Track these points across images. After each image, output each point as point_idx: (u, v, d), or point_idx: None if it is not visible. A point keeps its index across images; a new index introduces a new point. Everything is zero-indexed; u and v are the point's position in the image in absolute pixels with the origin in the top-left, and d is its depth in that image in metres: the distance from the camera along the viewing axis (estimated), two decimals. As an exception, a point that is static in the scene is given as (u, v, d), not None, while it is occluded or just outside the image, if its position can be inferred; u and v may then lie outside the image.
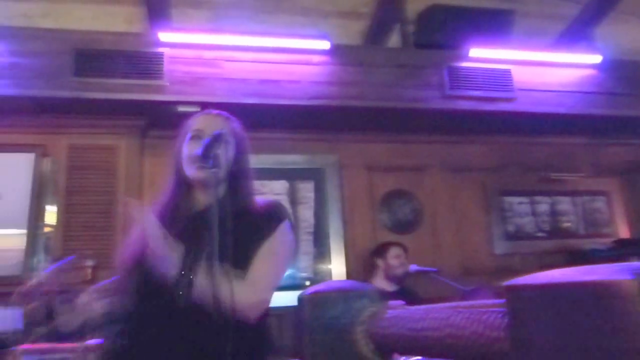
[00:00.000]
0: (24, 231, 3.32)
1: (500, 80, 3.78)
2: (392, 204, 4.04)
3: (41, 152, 3.47)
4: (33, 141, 3.46)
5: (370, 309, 0.96)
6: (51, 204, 3.43)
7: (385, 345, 0.89)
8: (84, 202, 3.39)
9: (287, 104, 3.43)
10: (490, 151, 4.20)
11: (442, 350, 0.73)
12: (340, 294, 0.97)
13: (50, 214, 3.41)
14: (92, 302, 1.47)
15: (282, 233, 1.39)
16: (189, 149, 1.43)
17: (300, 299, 0.99)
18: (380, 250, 3.41)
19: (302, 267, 3.76)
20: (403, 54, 3.83)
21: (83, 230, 3.32)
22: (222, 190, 1.36)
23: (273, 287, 1.35)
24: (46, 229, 3.38)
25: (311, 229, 3.84)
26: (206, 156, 1.27)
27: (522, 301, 0.55)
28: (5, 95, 3.10)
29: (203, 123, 1.48)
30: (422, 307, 0.85)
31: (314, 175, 3.94)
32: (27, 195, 3.39)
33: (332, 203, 3.92)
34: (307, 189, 3.91)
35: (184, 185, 1.46)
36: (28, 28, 3.37)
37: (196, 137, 1.44)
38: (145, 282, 1.30)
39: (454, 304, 0.77)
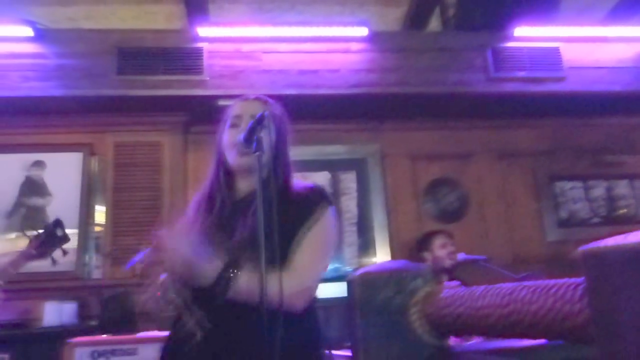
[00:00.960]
0: (76, 230, 3.42)
1: (548, 59, 3.62)
2: (436, 193, 3.94)
3: (89, 151, 3.57)
4: (81, 140, 3.56)
5: (424, 289, 0.91)
6: (100, 202, 3.52)
7: (442, 326, 0.84)
8: (130, 199, 3.46)
9: (327, 93, 3.40)
10: (540, 135, 4.03)
11: (506, 329, 0.67)
12: (392, 274, 0.93)
13: (100, 213, 3.51)
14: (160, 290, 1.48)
15: (325, 219, 1.35)
16: (230, 136, 1.42)
17: (349, 281, 0.95)
18: (425, 241, 3.29)
19: (346, 259, 3.72)
20: (444, 38, 3.72)
21: (131, 225, 3.40)
22: (264, 175, 1.33)
23: (319, 275, 1.32)
24: (97, 228, 3.48)
25: (355, 220, 3.79)
26: (249, 140, 1.25)
27: (604, 267, 0.49)
28: (53, 96, 3.20)
29: (242, 109, 1.46)
30: (482, 286, 0.79)
31: (356, 165, 3.88)
32: (77, 194, 3.50)
33: (375, 193, 3.86)
34: (349, 180, 3.86)
35: (225, 174, 1.45)
36: (73, 30, 3.46)
37: (235, 123, 1.43)
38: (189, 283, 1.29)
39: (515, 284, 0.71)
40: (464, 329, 0.76)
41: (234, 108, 1.47)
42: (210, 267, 1.23)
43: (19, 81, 3.19)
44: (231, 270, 1.22)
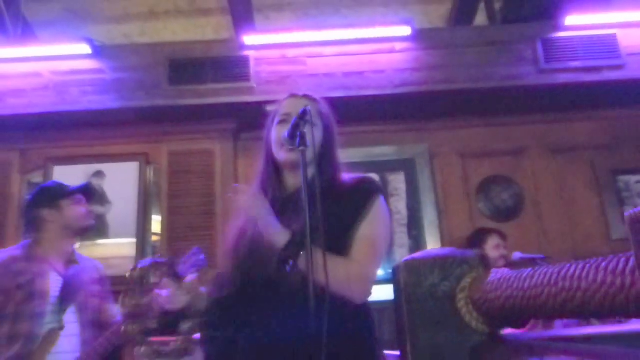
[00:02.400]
0: (134, 240, 3.57)
1: (604, 46, 3.46)
2: (489, 191, 3.84)
3: (145, 160, 3.72)
4: (137, 150, 3.72)
5: (471, 275, 0.90)
6: (156, 210, 3.66)
7: (490, 311, 0.82)
8: (184, 205, 3.58)
9: (373, 94, 3.39)
10: (599, 127, 3.85)
11: (555, 309, 0.65)
12: (438, 260, 0.92)
13: (156, 222, 3.64)
14: (199, 285, 1.52)
15: (378, 209, 1.35)
16: (277, 133, 1.45)
17: (395, 267, 0.95)
18: (478, 238, 3.22)
19: (397, 260, 3.68)
20: (491, 31, 3.63)
21: (186, 231, 3.51)
22: (311, 171, 1.35)
23: (377, 265, 1.32)
24: (153, 238, 3.61)
25: (405, 221, 3.75)
26: (293, 136, 1.27)
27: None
28: (111, 109, 3.37)
29: (290, 106, 1.48)
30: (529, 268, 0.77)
31: (404, 166, 3.85)
32: (134, 201, 3.65)
33: (425, 193, 3.80)
34: (398, 181, 3.83)
35: (274, 170, 1.48)
36: (127, 45, 3.63)
37: (284, 120, 1.45)
38: (247, 266, 1.32)
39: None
40: (513, 311, 0.74)
41: (283, 105, 1.51)
42: (281, 233, 1.27)
43: (79, 96, 3.38)
44: (298, 242, 1.24)
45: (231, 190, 1.31)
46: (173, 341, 2.71)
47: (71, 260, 2.12)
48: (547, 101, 3.65)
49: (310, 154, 1.31)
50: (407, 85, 3.41)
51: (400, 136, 3.84)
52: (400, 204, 3.78)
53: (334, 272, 1.12)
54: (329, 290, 1.07)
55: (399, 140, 3.83)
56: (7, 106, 3.42)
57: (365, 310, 1.35)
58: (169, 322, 2.44)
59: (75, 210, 2.12)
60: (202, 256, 2.31)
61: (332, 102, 1.56)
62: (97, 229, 3.62)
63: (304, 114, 1.26)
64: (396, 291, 0.93)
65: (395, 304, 0.92)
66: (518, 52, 3.47)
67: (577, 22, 3.47)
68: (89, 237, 3.55)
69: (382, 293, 3.41)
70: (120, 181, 3.70)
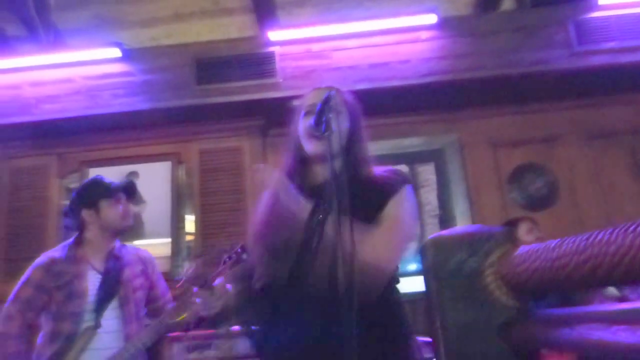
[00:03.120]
0: (169, 240, 3.64)
1: None
2: (522, 180, 3.76)
3: (176, 159, 3.79)
4: (169, 150, 3.79)
5: (499, 250, 0.88)
6: (189, 208, 3.72)
7: (519, 285, 0.80)
8: (216, 202, 3.63)
9: (399, 85, 3.37)
10: (637, 110, 3.70)
11: (584, 277, 0.63)
12: (465, 237, 0.91)
13: (190, 222, 3.70)
14: (228, 285, 1.54)
15: (404, 195, 1.35)
16: (304, 124, 1.45)
17: (422, 245, 0.94)
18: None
19: (430, 252, 3.64)
20: (520, 16, 3.55)
21: (218, 228, 3.55)
22: (339, 161, 1.35)
23: (404, 237, 1.32)
24: (188, 237, 3.67)
25: (436, 212, 3.71)
26: (318, 122, 1.27)
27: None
28: (141, 110, 3.44)
29: (314, 98, 1.49)
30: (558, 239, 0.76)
31: (434, 156, 3.81)
32: (168, 200, 3.72)
33: (456, 184, 3.75)
34: (427, 172, 3.79)
35: (301, 163, 1.48)
36: (155, 47, 3.70)
37: (309, 112, 1.46)
38: (275, 251, 1.34)
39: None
40: (543, 283, 0.72)
41: (308, 98, 1.51)
42: (305, 203, 1.29)
43: (110, 99, 3.47)
44: (321, 213, 1.25)
45: (254, 169, 1.34)
46: (210, 336, 2.76)
47: (112, 255, 2.11)
48: (581, 85, 3.54)
49: (336, 144, 1.31)
50: (433, 74, 3.37)
51: (429, 127, 3.79)
52: (430, 195, 3.74)
53: (362, 241, 1.12)
54: (357, 259, 1.07)
55: (427, 131, 3.79)
56: (42, 112, 3.54)
57: (392, 297, 1.35)
58: (208, 327, 2.46)
59: (114, 211, 2.10)
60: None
61: (358, 95, 1.56)
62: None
63: (327, 99, 1.26)
64: (424, 269, 0.92)
65: (424, 281, 0.92)
66: (549, 35, 3.38)
67: (610, 1, 3.35)
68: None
69: (413, 285, 3.39)
70: (154, 181, 3.77)
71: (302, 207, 1.31)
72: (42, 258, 2.04)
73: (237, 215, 3.55)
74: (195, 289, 1.81)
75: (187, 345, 2.74)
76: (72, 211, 2.14)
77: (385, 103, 3.46)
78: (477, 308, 0.85)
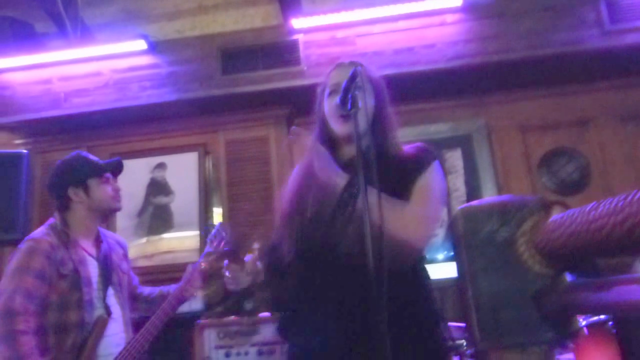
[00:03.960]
0: (197, 232, 3.69)
1: (675, 1, 3.21)
2: (552, 164, 3.67)
3: (203, 150, 3.83)
4: (195, 141, 3.83)
5: (532, 218, 0.86)
6: (217, 202, 3.76)
7: (554, 252, 0.78)
8: (243, 192, 3.65)
9: (424, 69, 3.32)
10: (674, 90, 3.57)
11: (621, 239, 0.61)
12: (495, 206, 0.89)
13: (218, 215, 3.74)
14: (256, 262, 1.56)
15: (433, 171, 1.35)
16: (330, 104, 1.45)
17: (453, 216, 0.92)
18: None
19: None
20: (548, -5, 3.45)
21: (246, 217, 3.58)
22: (366, 138, 1.35)
23: (434, 211, 1.32)
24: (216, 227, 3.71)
25: (464, 198, 3.66)
26: (344, 100, 1.26)
27: None
28: (168, 101, 3.49)
29: (337, 76, 1.48)
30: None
31: (461, 142, 3.75)
32: (195, 190, 3.76)
33: (484, 170, 3.70)
34: (455, 158, 3.74)
35: (329, 141, 1.48)
36: (180, 39, 3.73)
37: (334, 91, 1.45)
38: (306, 224, 1.34)
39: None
40: (577, 249, 0.70)
41: (330, 76, 1.50)
42: (341, 173, 1.30)
43: (138, 91, 3.52)
44: (355, 186, 1.26)
45: (291, 132, 1.34)
46: (239, 322, 2.80)
47: (99, 239, 2.02)
48: (614, 65, 3.43)
49: (363, 121, 1.31)
50: (460, 58, 3.31)
51: (456, 112, 3.74)
52: (458, 181, 3.69)
53: (392, 213, 1.11)
54: (387, 233, 1.06)
55: (454, 116, 3.74)
56: (72, 106, 3.61)
57: (423, 271, 1.34)
58: (233, 303, 2.51)
59: (105, 191, 1.96)
60: (225, 232, 2.32)
61: (384, 80, 1.54)
62: (162, 219, 3.78)
63: (354, 75, 1.25)
64: (454, 239, 0.91)
65: (454, 252, 0.90)
66: (579, 14, 3.28)
67: (643, -23, 3.24)
68: (154, 231, 3.72)
69: (442, 272, 3.36)
70: (181, 172, 3.82)
71: (339, 175, 1.31)
72: (31, 243, 1.84)
73: (264, 204, 3.57)
74: (225, 262, 1.82)
75: (217, 331, 2.78)
76: (56, 188, 1.97)
77: (410, 89, 3.41)
78: (510, 277, 0.84)
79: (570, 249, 0.73)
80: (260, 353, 2.74)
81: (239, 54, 3.51)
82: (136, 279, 2.21)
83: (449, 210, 3.61)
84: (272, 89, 3.43)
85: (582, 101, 3.64)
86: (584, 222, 0.68)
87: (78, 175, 1.95)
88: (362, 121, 1.30)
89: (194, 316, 3.09)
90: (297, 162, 1.55)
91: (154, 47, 3.58)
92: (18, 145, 3.78)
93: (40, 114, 3.60)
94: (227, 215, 3.62)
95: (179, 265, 3.32)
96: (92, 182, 1.95)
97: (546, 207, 0.85)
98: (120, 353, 1.89)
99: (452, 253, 3.47)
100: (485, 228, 0.88)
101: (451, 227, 0.93)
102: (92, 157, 2.06)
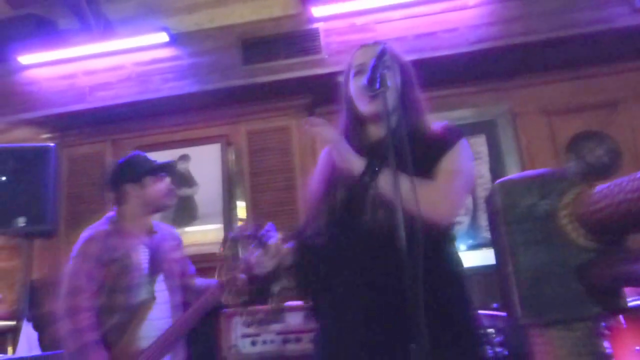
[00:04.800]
0: (221, 225, 3.71)
1: None
2: (580, 149, 3.60)
3: (225, 141, 3.84)
4: (218, 132, 3.85)
5: (573, 190, 0.84)
6: (240, 195, 3.77)
7: (599, 223, 0.76)
8: (266, 182, 3.66)
9: (446, 54, 3.27)
10: None
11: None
12: (535, 179, 0.87)
13: (241, 208, 3.76)
14: (281, 244, 1.56)
15: (460, 148, 1.34)
16: (355, 84, 1.44)
17: (491, 190, 0.90)
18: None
19: (483, 226, 3.56)
20: (574, -27, 3.36)
21: (268, 207, 3.59)
22: (394, 117, 1.34)
23: (459, 198, 1.31)
24: (239, 223, 3.73)
25: (488, 185, 3.61)
26: (372, 80, 1.25)
27: None
28: (190, 93, 3.50)
29: (364, 56, 1.47)
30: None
31: (485, 128, 3.70)
32: (219, 181, 3.78)
33: (509, 155, 3.64)
34: (478, 144, 3.68)
35: (356, 122, 1.47)
36: (201, 30, 3.74)
37: (360, 71, 1.44)
38: (335, 207, 1.34)
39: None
40: (627, 218, 0.68)
41: (356, 56, 1.49)
42: (357, 160, 1.31)
43: (160, 83, 3.55)
44: (376, 166, 1.26)
45: (306, 122, 1.34)
46: (265, 309, 2.81)
47: (151, 230, 2.19)
48: (645, 44, 3.33)
49: (392, 99, 1.30)
50: (483, 41, 3.25)
51: (479, 97, 3.68)
52: (482, 168, 3.64)
53: (418, 191, 1.10)
54: (417, 211, 1.05)
55: (477, 102, 3.69)
56: (96, 99, 3.66)
57: (453, 247, 1.34)
58: (260, 287, 2.52)
59: (159, 188, 2.16)
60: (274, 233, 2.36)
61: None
62: (186, 211, 3.81)
63: (382, 54, 1.23)
64: (492, 214, 0.89)
65: (491, 227, 0.89)
66: (607, -8, 3.19)
67: (674, -49, 3.13)
68: (179, 223, 3.76)
69: (468, 260, 3.31)
70: (205, 163, 3.85)
71: (356, 160, 1.31)
72: (91, 232, 2.06)
73: (287, 194, 3.57)
74: (250, 246, 1.85)
75: (244, 320, 2.80)
76: (115, 184, 2.17)
77: (432, 74, 3.33)
78: (551, 251, 0.82)
79: (618, 220, 0.71)
80: (286, 341, 2.75)
81: (259, 44, 3.51)
82: (193, 270, 2.35)
83: (474, 198, 3.57)
84: (293, 78, 3.42)
85: (610, 82, 3.55)
86: (635, 189, 0.65)
87: (136, 172, 2.14)
88: (391, 100, 1.29)
89: (220, 306, 3.11)
90: (320, 150, 1.55)
91: (175, 40, 3.60)
92: (44, 140, 3.85)
93: (65, 108, 3.66)
94: (251, 206, 3.64)
95: (204, 256, 3.35)
96: (148, 180, 2.14)
97: (589, 179, 0.82)
98: (153, 343, 1.97)
99: (475, 242, 3.44)
100: (525, 201, 0.86)
101: (488, 202, 0.91)
102: (149, 157, 2.26)
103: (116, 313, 1.96)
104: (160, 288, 2.08)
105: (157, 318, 2.03)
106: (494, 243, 0.89)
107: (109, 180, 2.21)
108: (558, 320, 0.81)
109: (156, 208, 2.19)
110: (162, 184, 2.18)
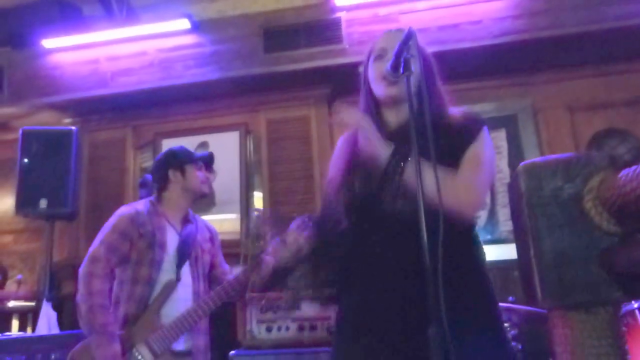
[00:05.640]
0: (237, 215, 3.74)
1: None
2: (603, 146, 3.54)
3: (244, 129, 3.87)
4: (237, 120, 3.88)
5: (598, 175, 0.83)
6: (258, 185, 3.78)
7: (624, 208, 0.75)
8: (284, 170, 3.68)
9: (470, 47, 3.24)
10: None
11: None
12: (560, 163, 0.86)
13: (258, 199, 3.78)
14: (299, 234, 1.56)
15: (483, 138, 1.34)
16: (376, 69, 1.43)
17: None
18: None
19: (501, 221, 3.54)
20: (603, -34, 3.30)
21: (286, 196, 3.61)
22: (415, 105, 1.33)
23: (483, 189, 1.30)
24: (256, 213, 3.75)
25: (507, 180, 3.58)
26: (396, 66, 1.24)
27: None
28: (211, 80, 3.53)
29: (386, 41, 1.46)
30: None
31: (505, 122, 3.66)
32: (237, 169, 3.80)
33: (529, 151, 3.60)
34: (499, 138, 3.65)
35: (373, 108, 1.46)
36: (223, 18, 3.76)
37: (381, 56, 1.43)
38: (355, 194, 1.34)
39: None
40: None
41: (379, 41, 1.48)
42: (385, 145, 1.30)
43: (182, 70, 3.58)
44: (402, 153, 1.25)
45: (335, 109, 1.34)
46: (281, 298, 2.82)
47: (187, 219, 2.30)
48: (673, 40, 3.26)
49: (415, 85, 1.29)
50: (507, 34, 3.22)
51: (501, 91, 3.65)
52: (502, 163, 3.61)
53: (442, 181, 1.09)
54: (440, 198, 1.04)
55: (499, 96, 3.65)
56: (118, 85, 3.70)
57: (475, 237, 1.33)
58: (280, 274, 2.53)
59: (197, 176, 2.30)
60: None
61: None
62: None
63: (408, 37, 1.22)
64: (515, 197, 0.89)
65: (513, 211, 0.88)
66: (635, -14, 3.13)
67: None
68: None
69: (486, 254, 3.29)
70: (223, 151, 3.87)
71: (383, 146, 1.30)
72: (127, 208, 2.20)
73: (305, 183, 3.59)
74: (268, 238, 1.89)
75: (260, 306, 2.82)
76: (159, 170, 2.31)
77: (455, 67, 3.31)
78: (575, 235, 0.82)
79: (644, 202, 0.70)
80: (301, 328, 2.76)
81: (281, 33, 3.51)
82: (226, 266, 2.44)
83: (492, 193, 3.55)
84: (314, 67, 3.43)
85: (635, 79, 3.48)
86: (661, 172, 0.65)
87: (179, 160, 2.29)
88: (415, 85, 1.29)
89: (243, 291, 3.13)
90: (340, 137, 1.55)
91: (198, 27, 3.62)
92: (67, 124, 3.91)
93: (87, 93, 3.71)
94: (268, 195, 3.66)
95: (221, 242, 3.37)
96: (189, 167, 2.28)
97: (615, 164, 0.81)
98: (176, 318, 2.06)
99: (492, 237, 3.41)
100: (549, 185, 0.86)
101: (511, 186, 0.91)
102: (190, 149, 2.41)
103: (139, 285, 2.06)
104: (186, 272, 2.18)
105: (180, 299, 2.12)
106: (515, 227, 0.88)
107: (155, 166, 2.36)
108: (579, 303, 0.81)
109: (194, 195, 2.31)
110: (201, 173, 2.33)
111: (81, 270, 2.02)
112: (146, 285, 2.07)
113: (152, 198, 2.30)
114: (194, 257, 2.23)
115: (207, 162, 2.42)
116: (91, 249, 2.07)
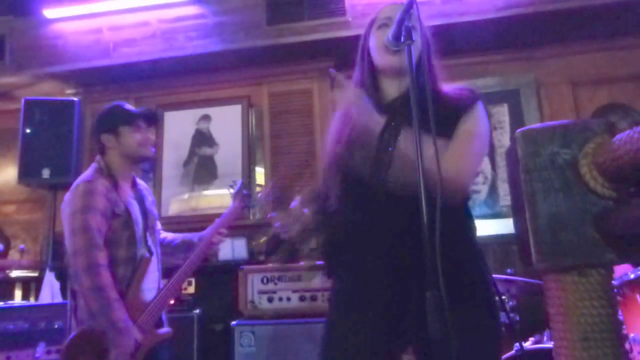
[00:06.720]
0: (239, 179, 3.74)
1: None
2: (605, 122, 3.54)
3: (247, 102, 3.87)
4: (240, 93, 3.87)
5: (594, 140, 0.85)
6: (260, 160, 3.79)
7: (619, 172, 0.77)
8: (286, 144, 3.69)
9: (474, 20, 3.22)
10: None
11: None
12: (557, 128, 0.88)
13: (260, 174, 3.78)
14: (303, 208, 1.58)
15: (478, 112, 1.34)
16: (378, 37, 1.43)
17: (512, 139, 0.92)
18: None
19: (501, 196, 3.56)
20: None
21: (289, 170, 3.62)
22: (413, 76, 1.33)
23: (474, 160, 1.31)
24: (258, 189, 3.76)
25: (509, 155, 3.59)
26: (398, 35, 1.24)
27: None
28: (214, 52, 3.52)
29: (390, 11, 1.45)
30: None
31: (508, 97, 3.66)
32: (239, 142, 3.81)
33: (531, 125, 3.60)
34: (501, 113, 3.65)
35: (371, 77, 1.46)
36: (226, -12, 3.72)
37: (384, 25, 1.43)
38: (352, 167, 1.35)
39: None
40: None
41: (384, 10, 1.48)
42: (378, 117, 1.30)
43: (184, 41, 3.56)
44: (395, 125, 1.26)
45: (330, 75, 1.34)
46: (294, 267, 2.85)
47: (134, 184, 2.12)
48: (679, 15, 3.23)
49: (416, 55, 1.29)
50: (511, 7, 3.19)
51: (504, 66, 3.64)
52: (504, 137, 3.62)
53: (434, 164, 1.10)
54: (439, 169, 1.05)
55: (502, 70, 3.64)
56: (121, 55, 3.69)
57: (468, 212, 1.35)
58: (286, 250, 2.58)
59: (133, 138, 2.03)
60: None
61: (430, 32, 1.51)
62: (207, 169, 3.87)
63: (409, 6, 1.22)
64: (512, 163, 0.90)
65: (511, 176, 0.90)
66: (642, -41, 3.09)
67: None
68: (199, 182, 3.81)
69: (485, 229, 3.33)
70: (226, 124, 3.88)
71: (377, 117, 1.31)
72: (91, 185, 1.93)
73: (307, 157, 3.60)
74: (272, 213, 1.89)
75: (261, 277, 2.87)
76: (93, 135, 2.11)
77: (459, 40, 3.32)
78: (570, 199, 0.83)
79: (637, 166, 0.72)
80: (302, 299, 2.82)
81: (284, 4, 3.49)
82: (159, 225, 2.30)
83: (493, 167, 3.56)
84: (317, 39, 3.41)
85: (639, 54, 3.46)
86: (655, 135, 0.66)
87: (110, 122, 2.05)
88: (415, 54, 1.29)
89: (237, 263, 3.19)
90: (337, 109, 1.55)
91: (200, -3, 3.59)
92: (69, 95, 3.92)
93: (89, 64, 3.70)
94: (270, 168, 3.68)
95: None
96: (123, 130, 2.03)
97: (611, 129, 0.83)
98: (157, 295, 2.01)
99: (492, 211, 3.43)
100: (546, 150, 0.87)
101: (509, 153, 0.92)
102: (127, 106, 2.13)
103: (120, 267, 1.92)
104: (151, 242, 2.08)
105: (152, 271, 2.03)
106: (512, 193, 0.90)
107: (90, 131, 2.15)
108: (572, 266, 0.83)
109: (133, 159, 2.07)
110: (138, 134, 2.05)
111: (82, 262, 1.82)
112: (128, 265, 1.94)
113: (95, 166, 2.03)
114: (151, 226, 2.11)
115: (147, 119, 2.11)
116: (84, 236, 1.84)
